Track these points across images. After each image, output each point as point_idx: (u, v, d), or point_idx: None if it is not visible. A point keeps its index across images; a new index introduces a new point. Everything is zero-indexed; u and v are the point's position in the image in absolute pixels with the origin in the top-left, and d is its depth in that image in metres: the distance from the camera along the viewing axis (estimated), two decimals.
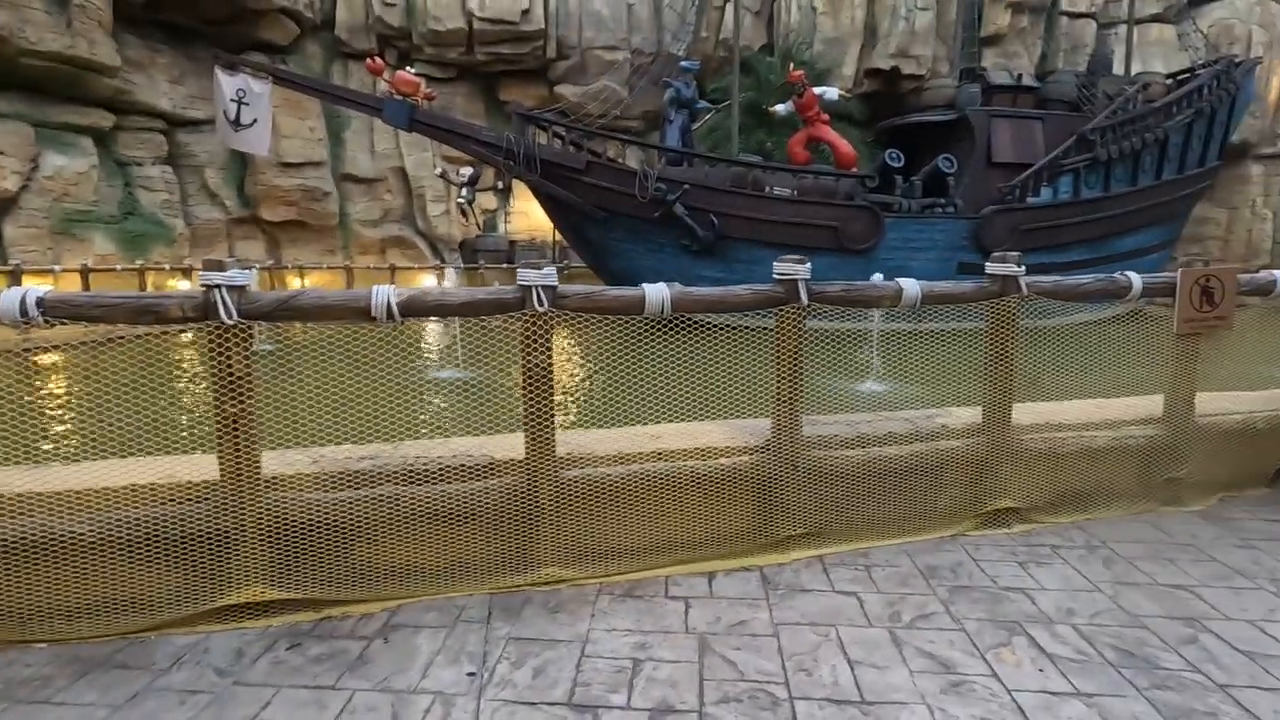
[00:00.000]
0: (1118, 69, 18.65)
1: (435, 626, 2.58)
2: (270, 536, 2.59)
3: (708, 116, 16.74)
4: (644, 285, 2.90)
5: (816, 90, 14.50)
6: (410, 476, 2.79)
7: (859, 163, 14.85)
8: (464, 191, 20.06)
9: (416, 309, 2.68)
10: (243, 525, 2.54)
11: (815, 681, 2.24)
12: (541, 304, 2.71)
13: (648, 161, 15.20)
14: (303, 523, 2.62)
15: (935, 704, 2.12)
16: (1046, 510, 3.52)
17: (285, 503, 2.62)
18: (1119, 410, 3.84)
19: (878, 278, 3.86)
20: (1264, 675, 2.26)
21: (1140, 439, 3.65)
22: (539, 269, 2.74)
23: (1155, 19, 23.09)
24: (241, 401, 2.50)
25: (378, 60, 13.35)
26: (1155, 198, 15.43)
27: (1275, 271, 3.89)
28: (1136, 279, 3.57)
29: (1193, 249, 22.59)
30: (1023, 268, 3.32)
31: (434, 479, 2.81)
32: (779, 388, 3.08)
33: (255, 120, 11.73)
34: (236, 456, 2.51)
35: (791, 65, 16.76)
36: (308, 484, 2.72)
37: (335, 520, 2.66)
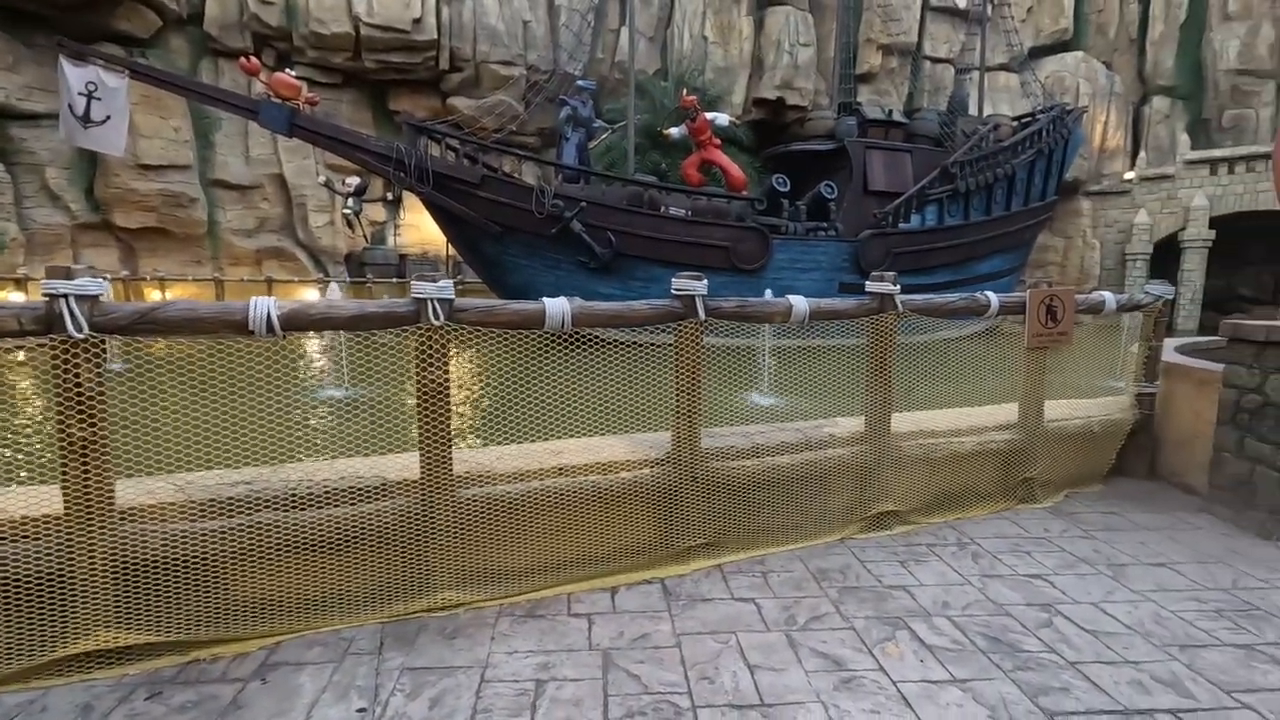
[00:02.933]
0: (972, 110, 20.73)
1: (320, 662, 2.40)
2: (126, 574, 2.33)
3: (604, 136, 16.95)
4: (544, 299, 2.88)
5: (708, 115, 15.08)
6: (292, 501, 2.60)
7: (748, 186, 15.56)
8: (350, 202, 19.02)
9: (300, 323, 2.51)
10: (92, 563, 2.27)
11: (717, 689, 2.28)
12: (438, 317, 2.63)
13: (544, 178, 15.18)
14: (165, 557, 2.37)
15: (829, 700, 2.22)
16: (922, 512, 3.79)
17: (144, 536, 2.36)
18: (981, 417, 4.21)
19: (768, 294, 4.03)
20: (1106, 651, 2.53)
21: (1000, 443, 4.02)
22: (435, 281, 2.65)
23: (1002, 68, 25.93)
24: (92, 424, 2.24)
25: (253, 60, 12.50)
26: (1006, 226, 17.25)
27: (1104, 292, 4.42)
28: (994, 298, 3.94)
29: (1037, 273, 25.32)
30: (899, 286, 3.58)
31: (319, 503, 2.63)
32: (679, 401, 3.14)
33: (109, 117, 10.59)
34: (85, 486, 2.24)
35: (685, 90, 17.34)
36: (172, 514, 2.47)
37: (204, 553, 2.43)
